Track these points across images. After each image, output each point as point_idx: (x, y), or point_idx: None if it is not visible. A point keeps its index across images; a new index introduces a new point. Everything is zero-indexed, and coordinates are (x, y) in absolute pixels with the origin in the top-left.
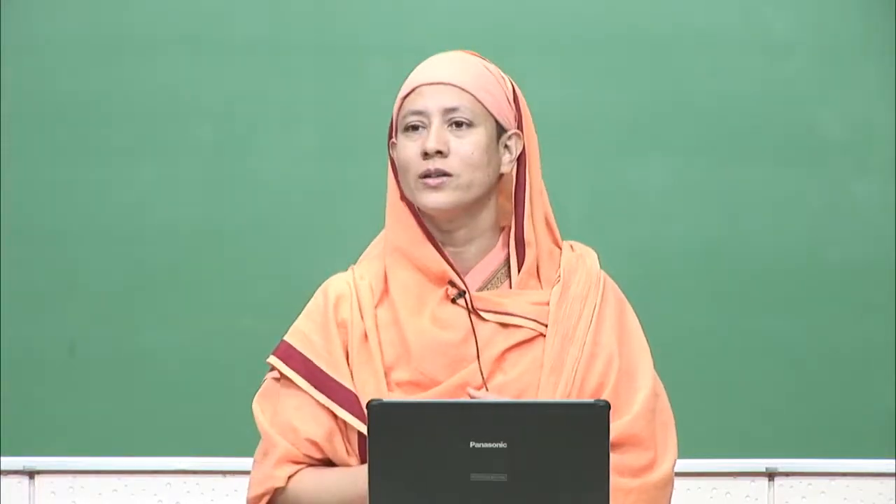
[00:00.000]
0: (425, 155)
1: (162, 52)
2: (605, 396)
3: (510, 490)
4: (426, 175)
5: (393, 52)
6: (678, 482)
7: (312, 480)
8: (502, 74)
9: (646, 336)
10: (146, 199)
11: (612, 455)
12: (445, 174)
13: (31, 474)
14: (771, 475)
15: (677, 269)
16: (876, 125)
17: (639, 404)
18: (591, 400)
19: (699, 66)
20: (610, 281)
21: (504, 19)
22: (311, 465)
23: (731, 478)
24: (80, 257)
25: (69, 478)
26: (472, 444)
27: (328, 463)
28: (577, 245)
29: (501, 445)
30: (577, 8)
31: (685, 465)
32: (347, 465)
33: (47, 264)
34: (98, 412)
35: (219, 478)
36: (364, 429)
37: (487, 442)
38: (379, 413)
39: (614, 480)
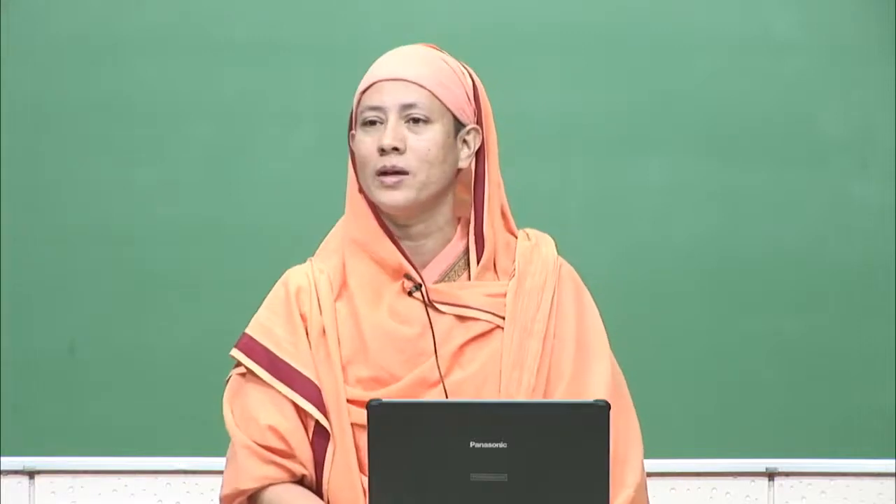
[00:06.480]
0: (382, 151)
1: (162, 52)
2: (565, 386)
3: (510, 490)
4: (383, 172)
5: None
6: (678, 482)
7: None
8: (463, 69)
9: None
10: (146, 199)
11: None
12: (402, 172)
13: (31, 474)
14: (771, 475)
15: (677, 268)
16: (876, 125)
17: (598, 386)
18: (590, 400)
19: (699, 65)
20: (567, 266)
21: (504, 19)
22: (276, 464)
23: (731, 478)
24: (80, 257)
25: (69, 478)
26: (472, 444)
27: (293, 458)
28: (533, 232)
29: (501, 445)
30: (576, 7)
31: (685, 465)
32: (311, 461)
33: (47, 264)
34: (98, 412)
35: (219, 478)
36: (322, 419)
37: (487, 442)
38: (379, 413)
39: None
